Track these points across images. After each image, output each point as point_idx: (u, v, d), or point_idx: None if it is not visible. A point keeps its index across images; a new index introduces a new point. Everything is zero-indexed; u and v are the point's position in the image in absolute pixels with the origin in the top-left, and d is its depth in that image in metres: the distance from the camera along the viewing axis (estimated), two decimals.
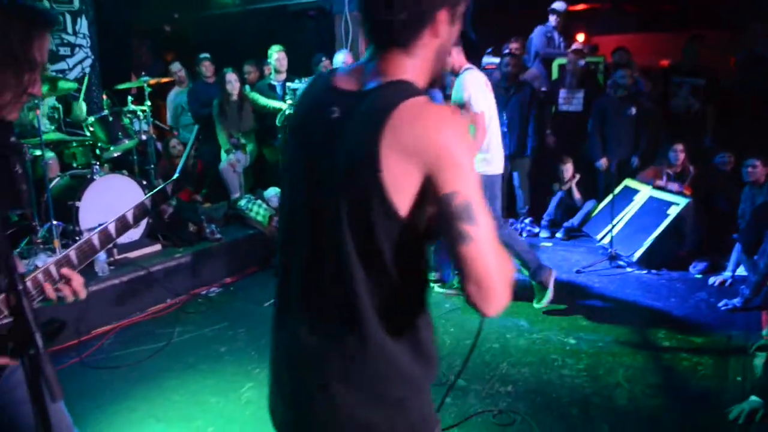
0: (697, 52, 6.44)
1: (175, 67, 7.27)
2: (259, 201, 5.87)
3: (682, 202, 5.28)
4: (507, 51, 6.59)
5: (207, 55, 6.98)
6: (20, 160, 4.61)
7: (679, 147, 5.74)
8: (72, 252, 1.59)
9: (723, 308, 4.33)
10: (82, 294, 1.59)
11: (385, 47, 1.21)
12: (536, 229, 6.42)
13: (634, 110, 5.92)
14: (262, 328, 4.24)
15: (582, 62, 6.66)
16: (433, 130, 1.11)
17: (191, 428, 3.07)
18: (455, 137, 1.11)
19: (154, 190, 1.79)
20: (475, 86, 4.18)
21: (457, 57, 4.27)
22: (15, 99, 1.46)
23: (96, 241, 1.64)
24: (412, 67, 1.22)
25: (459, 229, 1.10)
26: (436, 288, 4.71)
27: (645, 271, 5.14)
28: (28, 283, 1.51)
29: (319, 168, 1.22)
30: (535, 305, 4.30)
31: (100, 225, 1.66)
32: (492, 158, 4.39)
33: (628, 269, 5.26)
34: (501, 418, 3.07)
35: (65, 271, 1.56)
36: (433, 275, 4.97)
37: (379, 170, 1.10)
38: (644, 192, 5.76)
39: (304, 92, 1.36)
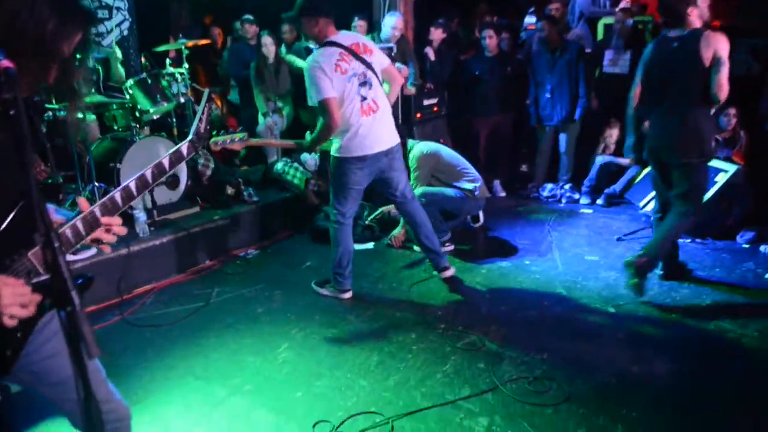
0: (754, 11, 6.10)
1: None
2: (296, 164, 5.87)
3: (731, 169, 5.07)
4: (548, 12, 6.34)
5: (249, 17, 6.92)
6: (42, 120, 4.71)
7: (732, 111, 5.48)
8: (96, 208, 1.66)
9: None
10: (123, 231, 1.72)
11: (678, 21, 3.74)
12: (576, 195, 6.27)
13: None
14: (298, 290, 4.29)
15: (630, 21, 6.38)
16: (715, 40, 3.59)
17: (229, 386, 3.13)
18: (722, 41, 3.59)
19: (170, 151, 1.86)
20: (316, 74, 3.68)
21: (322, 27, 3.80)
22: (30, 83, 1.50)
23: (118, 197, 1.72)
24: (694, 23, 3.70)
25: (719, 67, 3.58)
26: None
27: (689, 240, 4.97)
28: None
29: (672, 61, 3.76)
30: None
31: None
32: (349, 143, 3.82)
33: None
34: (536, 384, 3.05)
35: (106, 219, 1.66)
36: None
37: (700, 52, 3.61)
38: None
39: (654, 43, 3.93)
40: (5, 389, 2.40)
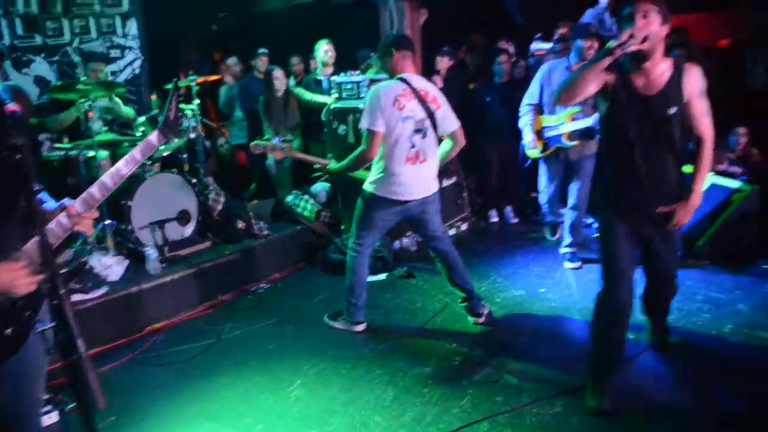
0: None
1: (231, 61, 7.34)
2: (306, 196, 5.87)
3: (746, 188, 4.99)
4: (556, 36, 6.35)
5: (265, 50, 7.01)
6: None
7: (741, 131, 5.42)
8: (77, 203, 1.91)
9: None
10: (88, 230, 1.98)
11: None
12: (590, 219, 6.19)
13: (674, 110, 5.67)
14: (310, 324, 4.23)
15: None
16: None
17: (241, 426, 3.07)
18: None
19: (141, 142, 2.04)
20: (373, 102, 3.69)
21: (398, 61, 3.79)
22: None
23: (96, 191, 1.96)
24: None
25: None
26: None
27: (708, 262, 4.88)
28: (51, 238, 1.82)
29: None
30: None
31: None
32: (386, 183, 3.77)
33: (690, 260, 5.01)
34: (557, 418, 2.96)
35: (86, 214, 1.91)
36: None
37: None
38: (706, 179, 5.47)
39: None
40: None
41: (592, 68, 2.67)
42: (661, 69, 2.76)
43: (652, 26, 2.63)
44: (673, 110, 2.74)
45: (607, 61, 2.64)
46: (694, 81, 2.77)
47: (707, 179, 5.35)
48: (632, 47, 2.59)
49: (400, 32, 6.84)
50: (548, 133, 4.94)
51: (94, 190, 1.93)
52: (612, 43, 2.59)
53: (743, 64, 6.14)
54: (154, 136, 2.05)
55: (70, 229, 1.87)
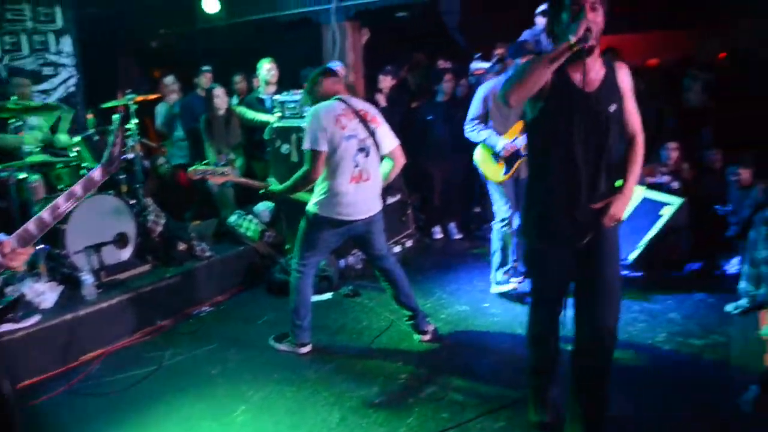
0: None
1: (169, 80, 7.20)
2: (249, 216, 5.79)
3: (676, 202, 5.23)
4: (495, 58, 6.52)
5: (208, 67, 6.90)
6: None
7: (672, 145, 5.67)
8: (12, 239, 1.82)
9: (735, 312, 4.24)
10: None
11: None
12: None
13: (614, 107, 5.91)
14: (254, 347, 4.16)
15: None
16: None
17: None
18: None
19: (83, 178, 1.98)
20: (314, 122, 3.71)
21: (328, 86, 3.86)
22: None
23: (33, 227, 1.86)
24: None
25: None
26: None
27: (640, 274, 5.07)
28: None
29: None
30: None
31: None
32: (330, 203, 3.78)
33: (623, 272, 5.19)
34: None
35: (21, 250, 1.82)
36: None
37: None
38: (638, 193, 5.69)
39: None
40: None
41: (548, 64, 2.48)
42: (598, 65, 2.67)
43: (600, 18, 2.54)
44: (613, 107, 2.67)
45: (564, 56, 2.47)
46: (627, 78, 2.73)
47: (639, 193, 5.60)
48: (591, 41, 2.48)
49: (342, 52, 6.92)
50: None
51: (30, 226, 1.85)
52: (571, 38, 2.45)
53: (680, 83, 6.44)
54: (97, 173, 2.00)
55: (4, 265, 1.78)
